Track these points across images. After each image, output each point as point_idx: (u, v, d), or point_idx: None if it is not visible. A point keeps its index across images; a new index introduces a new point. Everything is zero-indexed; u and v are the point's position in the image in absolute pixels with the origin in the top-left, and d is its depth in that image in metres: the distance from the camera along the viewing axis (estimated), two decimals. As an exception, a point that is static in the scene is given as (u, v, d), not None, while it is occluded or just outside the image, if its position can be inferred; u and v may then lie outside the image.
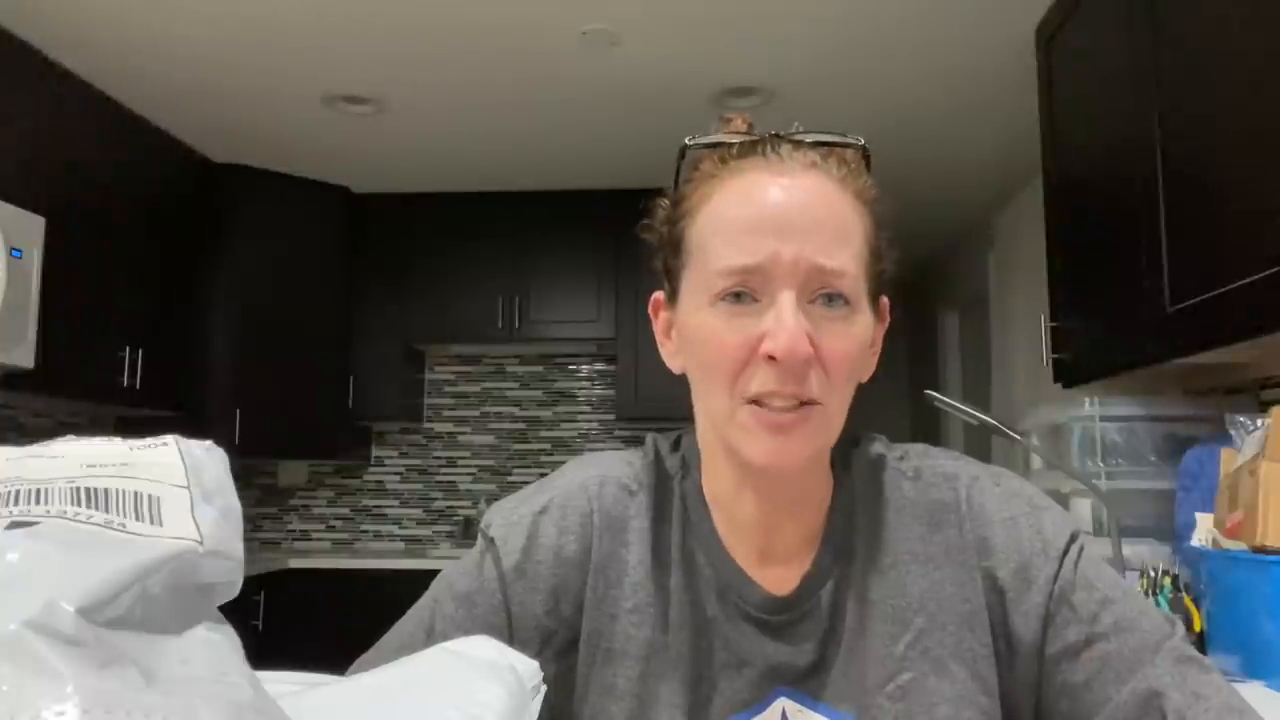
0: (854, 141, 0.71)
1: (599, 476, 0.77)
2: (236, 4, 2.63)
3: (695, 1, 2.60)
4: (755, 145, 0.70)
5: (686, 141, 0.73)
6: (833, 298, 0.66)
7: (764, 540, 0.74)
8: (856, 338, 0.68)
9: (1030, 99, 2.43)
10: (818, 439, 0.68)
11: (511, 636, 0.72)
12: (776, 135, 0.70)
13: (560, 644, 0.72)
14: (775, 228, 0.66)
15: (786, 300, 0.65)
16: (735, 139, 0.71)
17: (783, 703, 0.70)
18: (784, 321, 0.64)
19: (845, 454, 0.77)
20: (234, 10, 2.67)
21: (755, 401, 0.66)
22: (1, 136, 2.69)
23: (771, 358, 0.64)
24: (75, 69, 3.00)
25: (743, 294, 0.66)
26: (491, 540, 0.75)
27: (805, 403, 0.66)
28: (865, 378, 0.73)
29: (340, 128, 3.51)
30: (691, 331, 0.70)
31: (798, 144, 0.70)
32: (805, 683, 0.70)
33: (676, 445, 0.79)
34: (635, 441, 0.82)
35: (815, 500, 0.74)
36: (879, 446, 0.78)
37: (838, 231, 0.67)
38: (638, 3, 2.61)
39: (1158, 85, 1.77)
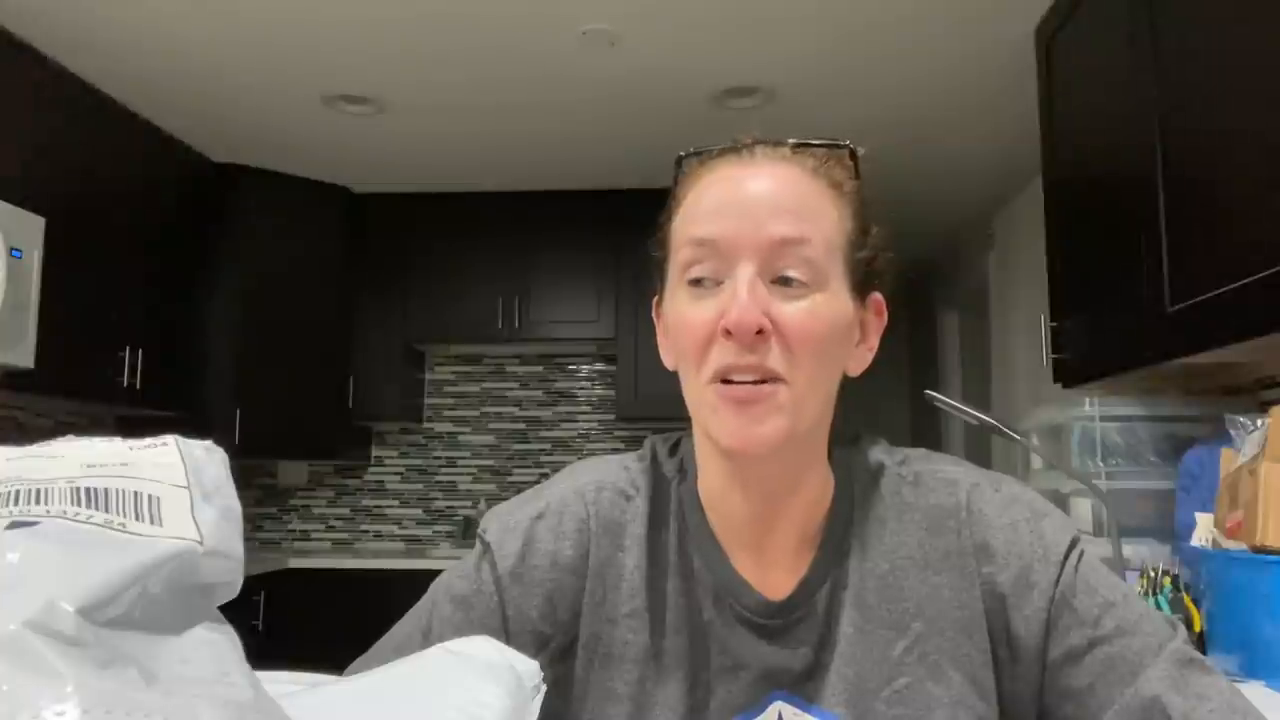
0: (836, 143, 0.73)
1: (596, 482, 0.77)
2: (237, 4, 2.63)
3: (695, 1, 2.60)
4: (737, 146, 0.73)
5: (680, 154, 0.76)
6: (792, 279, 0.67)
7: (757, 538, 0.73)
8: (821, 316, 0.67)
9: (1030, 99, 2.43)
10: (784, 418, 0.67)
11: (507, 641, 0.72)
12: (759, 140, 0.73)
13: (556, 649, 0.73)
14: (737, 209, 0.68)
15: (743, 274, 0.66)
16: (719, 145, 0.74)
17: (779, 706, 0.70)
18: (738, 295, 0.66)
19: (844, 457, 0.77)
20: (234, 10, 2.67)
21: (719, 380, 0.67)
22: (1, 136, 2.69)
23: (728, 332, 0.66)
24: (75, 69, 3.00)
25: (705, 278, 0.68)
26: (488, 545, 0.75)
27: (768, 380, 0.66)
28: (854, 370, 0.73)
29: (340, 128, 3.51)
30: (669, 320, 0.72)
31: (776, 144, 0.72)
32: (801, 686, 0.70)
33: (675, 449, 0.79)
34: (635, 442, 0.82)
35: (810, 500, 0.74)
36: (879, 451, 0.78)
37: (800, 210, 0.69)
38: (638, 3, 2.61)
39: (1158, 85, 1.77)
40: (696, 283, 0.69)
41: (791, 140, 0.72)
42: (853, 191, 0.72)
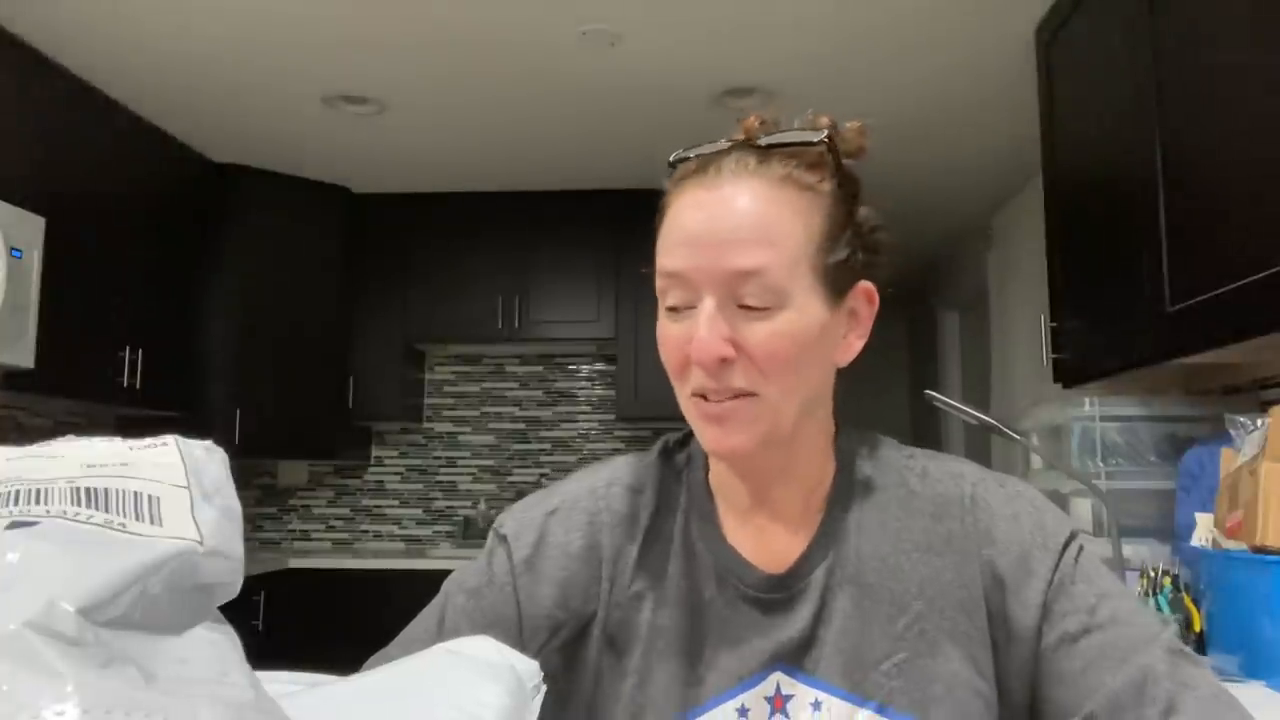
0: (809, 140, 0.72)
1: (607, 479, 0.82)
2: (236, 4, 2.63)
3: (695, 1, 2.60)
4: (708, 160, 0.72)
5: (670, 159, 0.76)
6: (754, 306, 0.69)
7: (758, 519, 0.77)
8: (787, 333, 0.69)
9: (1030, 99, 2.43)
10: (759, 425, 0.71)
11: (521, 627, 0.76)
12: (734, 144, 0.72)
13: (569, 634, 0.76)
14: (694, 240, 0.70)
15: (705, 307, 0.69)
16: (697, 151, 0.73)
17: (777, 677, 0.73)
18: (699, 329, 0.69)
19: (851, 446, 0.80)
20: (234, 10, 2.67)
21: (698, 395, 0.71)
22: (2, 136, 2.69)
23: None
24: (76, 69, 3.00)
25: (679, 305, 0.71)
26: (504, 537, 0.80)
27: (740, 395, 0.70)
28: (842, 361, 0.75)
29: (340, 128, 3.51)
30: (657, 333, 0.76)
31: (743, 155, 0.71)
32: (799, 658, 0.73)
33: (685, 441, 0.83)
34: (635, 442, 0.85)
35: (809, 484, 0.77)
36: (888, 446, 0.81)
37: (757, 232, 0.69)
38: (638, 3, 2.61)
39: (1158, 85, 1.77)
40: (672, 308, 0.72)
41: (765, 140, 0.72)
42: (830, 190, 0.72)
